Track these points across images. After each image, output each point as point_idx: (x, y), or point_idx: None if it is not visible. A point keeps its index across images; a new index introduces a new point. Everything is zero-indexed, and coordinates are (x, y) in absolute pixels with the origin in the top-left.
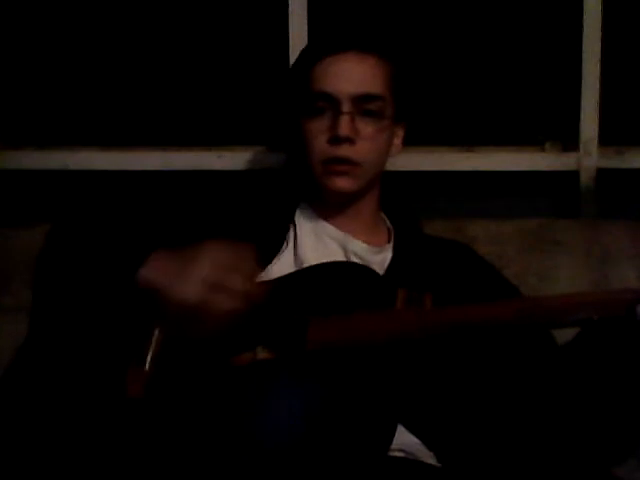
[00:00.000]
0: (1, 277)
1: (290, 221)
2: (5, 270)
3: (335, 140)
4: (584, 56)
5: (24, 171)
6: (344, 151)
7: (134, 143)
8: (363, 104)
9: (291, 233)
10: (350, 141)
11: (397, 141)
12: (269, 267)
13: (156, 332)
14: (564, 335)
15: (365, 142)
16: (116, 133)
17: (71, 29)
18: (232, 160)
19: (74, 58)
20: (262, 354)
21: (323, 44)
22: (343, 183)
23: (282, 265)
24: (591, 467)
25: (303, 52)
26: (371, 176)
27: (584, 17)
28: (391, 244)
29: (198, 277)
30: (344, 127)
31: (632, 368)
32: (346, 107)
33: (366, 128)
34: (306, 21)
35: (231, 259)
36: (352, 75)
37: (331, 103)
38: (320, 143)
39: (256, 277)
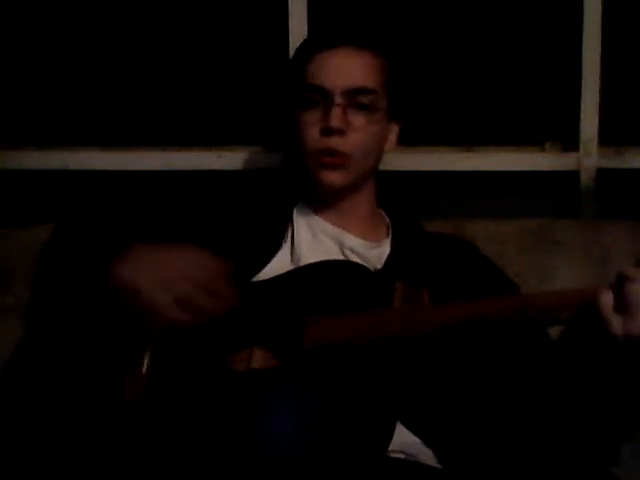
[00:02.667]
0: (2, 277)
1: (288, 220)
2: (6, 270)
3: (326, 131)
4: (584, 56)
5: (24, 171)
6: (334, 142)
7: (134, 143)
8: (355, 97)
9: (289, 231)
10: (341, 132)
11: (391, 137)
12: (267, 265)
13: (153, 333)
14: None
15: (356, 134)
16: (116, 133)
17: (71, 29)
18: (232, 160)
19: (74, 58)
20: (259, 353)
21: (318, 39)
22: (334, 177)
23: (279, 263)
24: (590, 466)
25: (299, 47)
26: (363, 169)
27: (584, 17)
28: (389, 239)
29: (169, 288)
30: (335, 118)
31: (624, 360)
32: (338, 99)
33: (357, 120)
34: (306, 21)
35: (206, 275)
36: (345, 69)
37: (324, 96)
38: (312, 134)
39: (227, 296)
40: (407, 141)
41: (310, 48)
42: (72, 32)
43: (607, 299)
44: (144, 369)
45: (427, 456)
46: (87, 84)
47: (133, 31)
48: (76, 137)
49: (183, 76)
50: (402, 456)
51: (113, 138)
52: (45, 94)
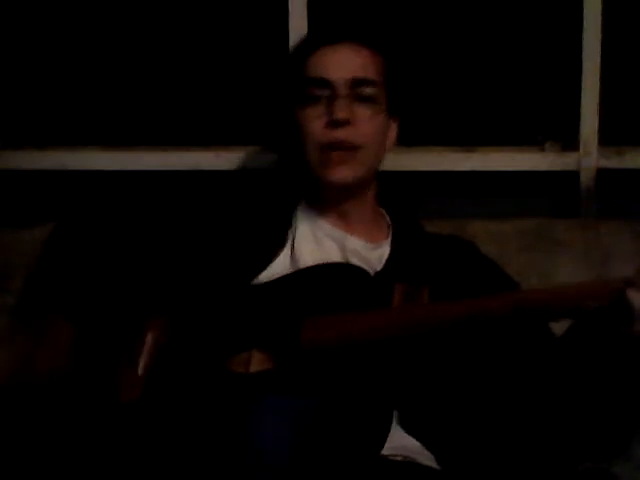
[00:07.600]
0: (2, 277)
1: (289, 221)
2: (5, 270)
3: (333, 124)
4: (584, 56)
5: (24, 171)
6: (342, 134)
7: (133, 143)
8: (358, 88)
9: (290, 232)
10: (348, 123)
11: (391, 134)
12: (268, 267)
13: (149, 335)
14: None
15: (363, 124)
16: (115, 133)
17: (71, 29)
18: (231, 160)
19: (73, 58)
20: (258, 356)
21: (319, 35)
22: (342, 173)
23: (280, 265)
24: (589, 464)
25: (299, 43)
26: (371, 163)
27: (584, 17)
28: (389, 239)
29: None
30: (341, 110)
31: (625, 357)
32: (342, 91)
33: (362, 111)
34: (306, 21)
35: None
36: (347, 62)
37: (327, 89)
38: (317, 128)
39: None
40: (407, 141)
41: (310, 44)
42: (71, 32)
43: (638, 299)
44: (140, 371)
45: (426, 458)
46: (86, 84)
47: (132, 30)
48: (75, 137)
49: (182, 75)
50: (400, 459)
51: (112, 138)
52: (44, 94)
